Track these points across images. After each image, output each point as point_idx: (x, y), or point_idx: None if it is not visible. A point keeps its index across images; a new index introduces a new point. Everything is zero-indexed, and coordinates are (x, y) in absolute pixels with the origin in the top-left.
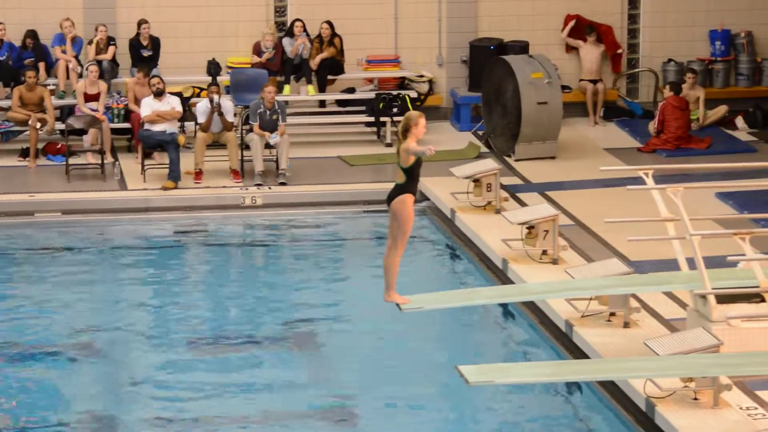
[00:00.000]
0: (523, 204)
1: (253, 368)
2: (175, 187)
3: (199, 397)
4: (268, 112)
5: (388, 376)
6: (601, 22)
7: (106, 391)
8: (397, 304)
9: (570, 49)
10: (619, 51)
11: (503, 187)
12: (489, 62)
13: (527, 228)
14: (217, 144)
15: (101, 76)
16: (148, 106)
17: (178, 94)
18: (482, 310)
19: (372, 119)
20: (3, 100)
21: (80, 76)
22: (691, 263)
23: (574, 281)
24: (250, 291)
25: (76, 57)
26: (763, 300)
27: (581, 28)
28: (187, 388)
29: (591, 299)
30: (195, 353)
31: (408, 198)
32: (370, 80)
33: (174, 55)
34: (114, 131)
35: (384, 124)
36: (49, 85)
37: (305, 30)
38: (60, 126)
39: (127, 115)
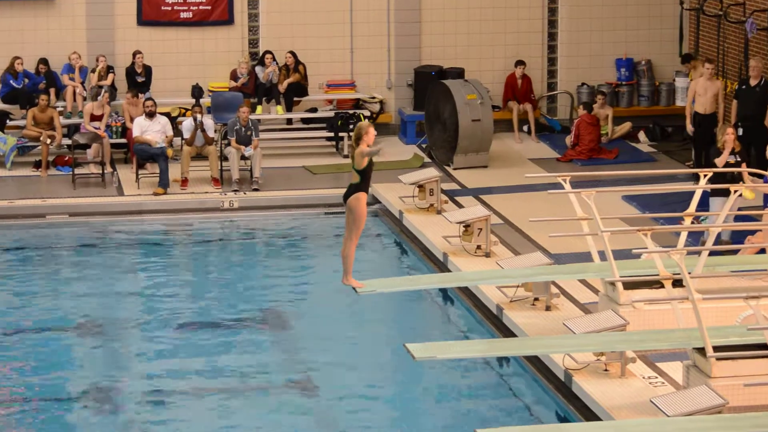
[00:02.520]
0: (460, 206)
1: (229, 346)
2: (165, 193)
3: (183, 370)
4: (243, 129)
5: (346, 352)
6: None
7: (104, 366)
8: (354, 288)
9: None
10: (533, 96)
11: (443, 191)
12: (431, 86)
13: (464, 226)
14: (200, 156)
15: None
16: (138, 126)
17: (167, 114)
18: (427, 296)
19: (332, 134)
20: (19, 120)
21: (84, 99)
22: (602, 255)
23: (503, 270)
24: (228, 280)
25: (82, 83)
26: (662, 286)
27: (515, 86)
28: (173, 362)
29: (518, 287)
30: (180, 333)
31: (362, 195)
32: (330, 101)
33: (163, 81)
34: (113, 146)
35: (342, 138)
36: (58, 107)
37: (274, 60)
38: (67, 141)
39: (124, 132)
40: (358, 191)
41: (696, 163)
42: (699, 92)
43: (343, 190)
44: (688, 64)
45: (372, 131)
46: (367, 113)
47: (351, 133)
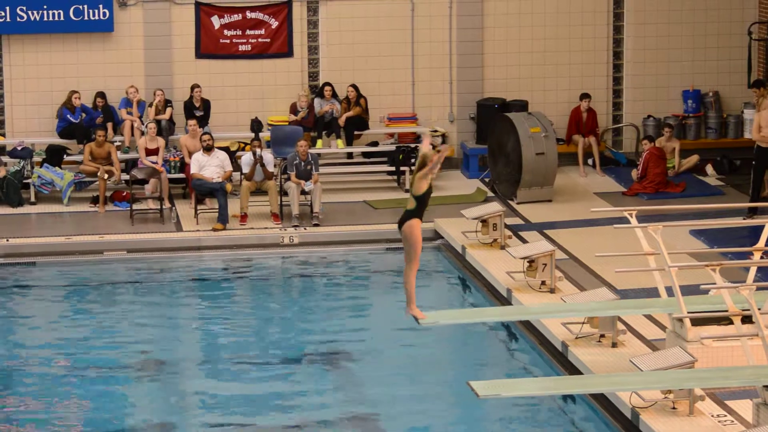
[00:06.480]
0: (524, 241)
1: (290, 384)
2: (224, 229)
3: (243, 409)
4: (303, 163)
5: (409, 390)
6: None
7: (164, 402)
8: (416, 318)
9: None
10: (597, 129)
11: (507, 226)
12: (494, 119)
13: (528, 262)
14: (259, 191)
15: (160, 134)
16: (196, 162)
17: (226, 149)
18: (491, 333)
19: (393, 168)
20: (77, 155)
21: (143, 133)
22: (669, 291)
23: (567, 304)
24: (289, 317)
25: (140, 117)
26: (731, 322)
27: (579, 120)
28: (232, 400)
29: (584, 322)
30: (240, 370)
31: (416, 222)
32: (391, 135)
33: (222, 115)
34: (171, 180)
35: (403, 172)
36: (115, 141)
37: (334, 92)
38: (125, 177)
39: (182, 166)
40: (412, 217)
41: (752, 197)
42: (763, 124)
43: None
44: (756, 90)
45: (436, 158)
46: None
47: (412, 168)
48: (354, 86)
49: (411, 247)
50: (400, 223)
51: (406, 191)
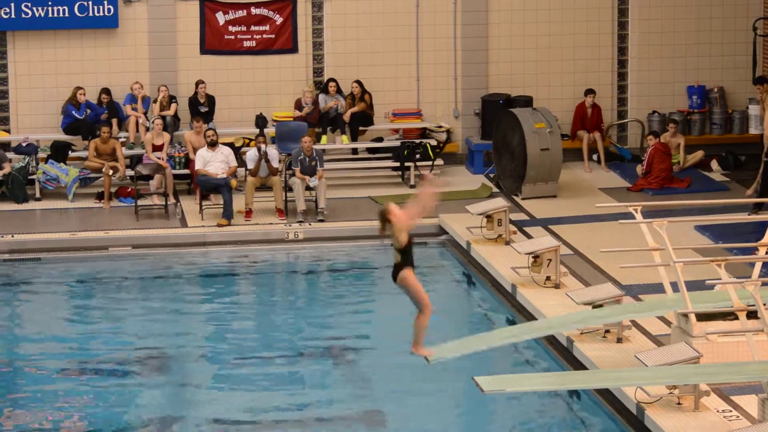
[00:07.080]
0: (529, 236)
1: (295, 379)
2: (229, 224)
3: (247, 405)
4: (307, 159)
5: (413, 385)
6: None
7: (168, 398)
8: (425, 357)
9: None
10: (602, 125)
11: (512, 222)
12: (498, 114)
13: (533, 257)
14: (264, 187)
15: (165, 129)
16: (201, 158)
17: (230, 145)
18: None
19: (398, 164)
20: (82, 151)
21: (148, 129)
22: (675, 286)
23: (577, 314)
24: (293, 313)
25: (145, 113)
26: (736, 318)
27: (584, 115)
28: (236, 396)
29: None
30: (244, 366)
31: (407, 271)
32: (396, 131)
33: (227, 111)
34: (176, 176)
35: (408, 168)
36: (120, 137)
37: (339, 88)
38: (130, 172)
39: (187, 162)
40: (403, 268)
41: (761, 192)
42: None
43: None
44: (760, 87)
45: (392, 208)
46: (433, 143)
47: (417, 164)
48: (358, 82)
49: (413, 296)
50: (394, 278)
51: (411, 187)
